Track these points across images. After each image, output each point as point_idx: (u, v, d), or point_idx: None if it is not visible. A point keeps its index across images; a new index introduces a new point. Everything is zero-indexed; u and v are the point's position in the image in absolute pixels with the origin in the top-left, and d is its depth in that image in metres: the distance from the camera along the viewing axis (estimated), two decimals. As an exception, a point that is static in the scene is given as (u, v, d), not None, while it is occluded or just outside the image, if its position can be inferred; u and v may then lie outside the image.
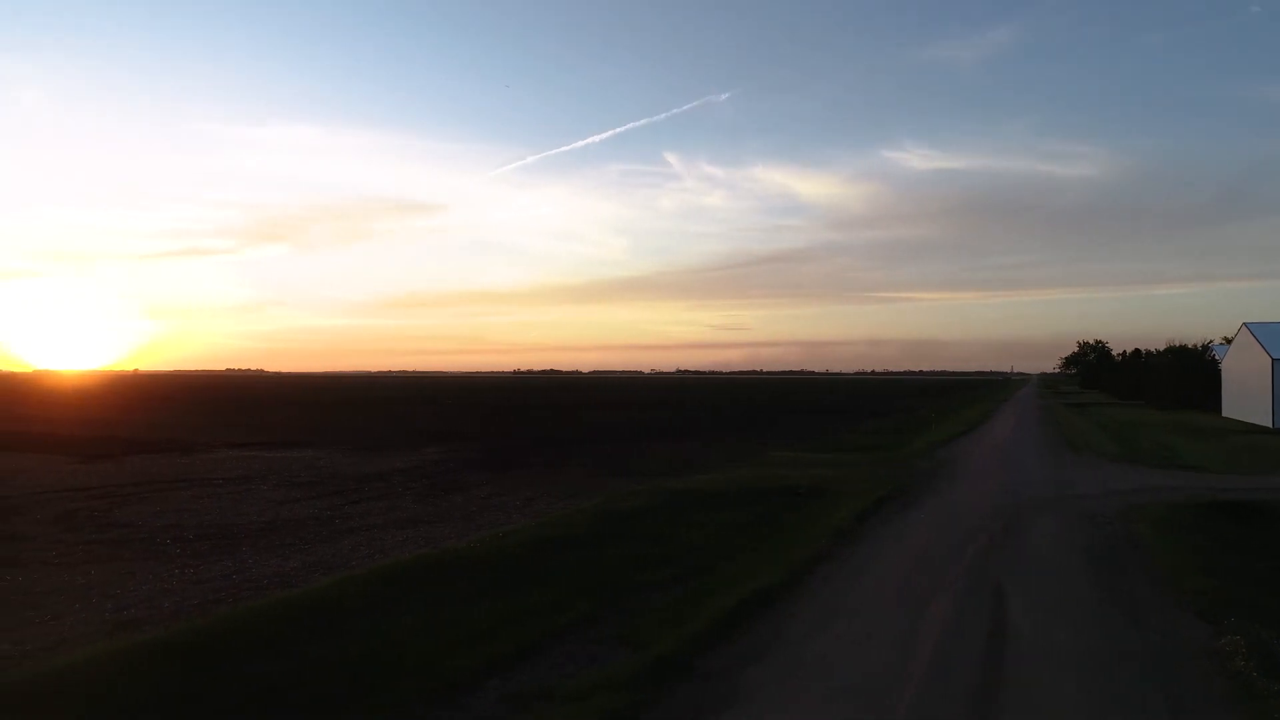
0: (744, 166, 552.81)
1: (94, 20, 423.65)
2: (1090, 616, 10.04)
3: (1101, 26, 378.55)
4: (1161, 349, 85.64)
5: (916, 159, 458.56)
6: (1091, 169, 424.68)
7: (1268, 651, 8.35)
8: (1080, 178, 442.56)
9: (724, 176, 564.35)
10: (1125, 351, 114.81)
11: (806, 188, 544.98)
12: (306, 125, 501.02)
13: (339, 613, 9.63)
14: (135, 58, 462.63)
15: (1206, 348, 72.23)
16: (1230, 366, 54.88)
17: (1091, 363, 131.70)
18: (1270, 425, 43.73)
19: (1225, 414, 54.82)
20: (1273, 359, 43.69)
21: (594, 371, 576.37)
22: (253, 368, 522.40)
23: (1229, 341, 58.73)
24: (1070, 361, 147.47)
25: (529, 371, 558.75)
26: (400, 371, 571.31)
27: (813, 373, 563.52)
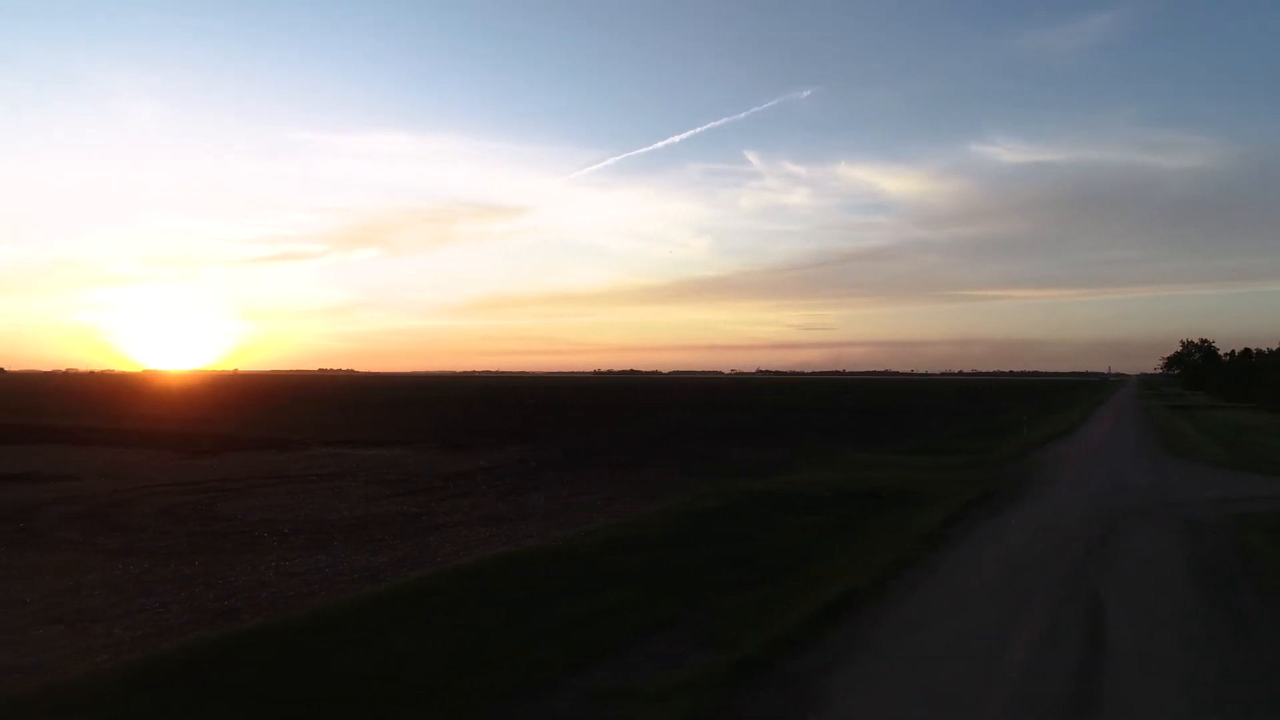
0: (827, 164, 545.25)
1: (203, 38, 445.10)
2: (1196, 631, 9.52)
3: (1211, 8, 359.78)
4: (1275, 348, 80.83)
5: (1008, 152, 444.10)
6: (1199, 160, 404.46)
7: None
8: (1186, 169, 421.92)
9: (806, 174, 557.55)
10: (1233, 351, 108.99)
11: (892, 184, 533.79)
12: (397, 132, 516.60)
13: (424, 608, 9.87)
14: (240, 72, 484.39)
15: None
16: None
17: (1196, 363, 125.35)
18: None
19: (1347, 417, 51.41)
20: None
21: (674, 372, 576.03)
22: (343, 367, 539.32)
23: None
24: (1173, 362, 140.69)
25: (609, 371, 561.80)
26: (483, 371, 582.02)
27: (898, 373, 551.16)
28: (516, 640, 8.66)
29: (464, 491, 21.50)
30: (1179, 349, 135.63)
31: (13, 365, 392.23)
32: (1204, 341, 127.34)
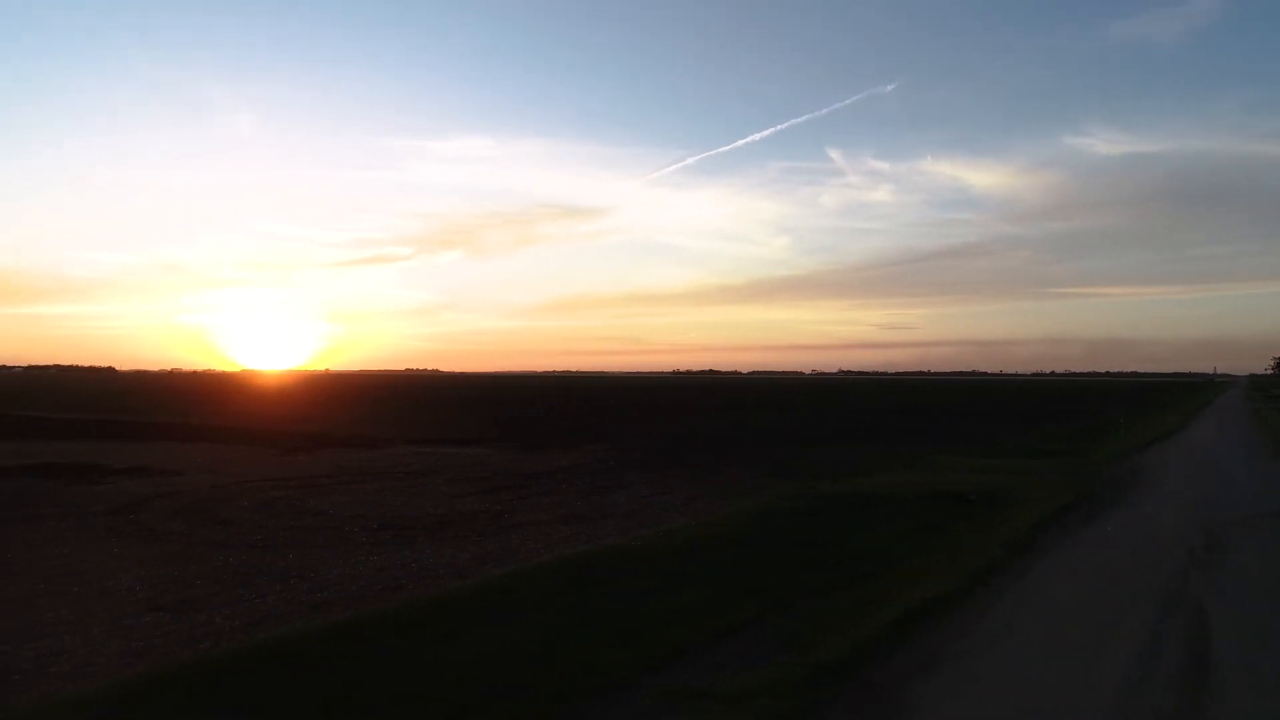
0: (911, 159, 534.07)
1: (294, 51, 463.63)
2: (1312, 647, 8.97)
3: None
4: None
5: (1104, 144, 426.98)
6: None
7: None
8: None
9: (889, 170, 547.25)
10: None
11: (979, 179, 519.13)
12: (480, 136, 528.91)
13: (506, 605, 10.04)
14: (330, 82, 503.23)
15: None
16: None
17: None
18: None
19: None
20: None
21: (753, 372, 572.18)
22: (428, 367, 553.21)
23: None
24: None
25: (688, 371, 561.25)
26: (564, 371, 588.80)
27: (985, 374, 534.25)
28: (596, 637, 8.73)
29: (545, 490, 21.78)
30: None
31: (124, 365, 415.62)
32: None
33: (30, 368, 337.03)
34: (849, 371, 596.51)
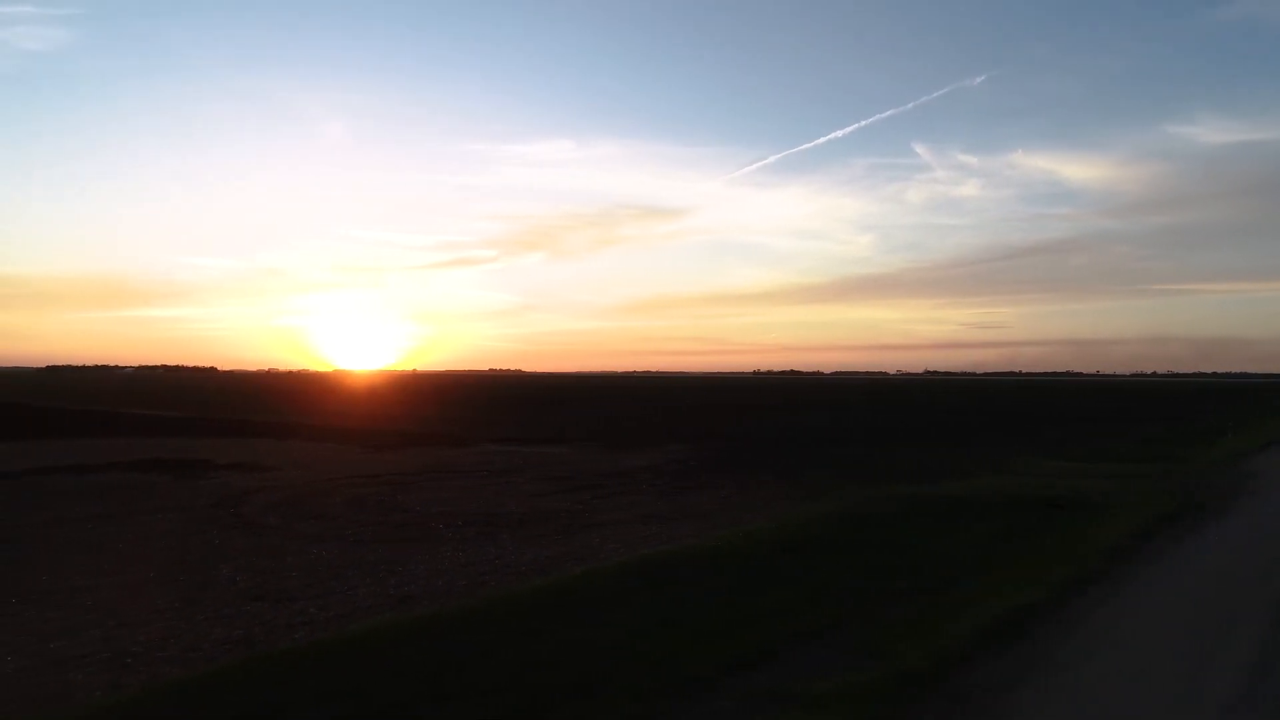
0: (1001, 153, 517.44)
1: (382, 59, 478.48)
2: None
3: None
4: None
5: (1211, 132, 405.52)
6: None
7: None
8: None
9: (978, 165, 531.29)
10: None
11: (1074, 172, 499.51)
12: (562, 139, 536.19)
13: (587, 602, 10.15)
14: (415, 89, 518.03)
15: None
16: None
17: None
18: None
19: None
20: None
21: (835, 372, 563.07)
22: (511, 368, 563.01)
23: None
24: None
25: (768, 372, 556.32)
26: (645, 371, 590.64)
27: (1081, 374, 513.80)
28: (675, 637, 8.75)
29: (624, 490, 21.92)
30: None
31: (225, 365, 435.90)
32: None
33: (141, 368, 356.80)
34: (935, 372, 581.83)
